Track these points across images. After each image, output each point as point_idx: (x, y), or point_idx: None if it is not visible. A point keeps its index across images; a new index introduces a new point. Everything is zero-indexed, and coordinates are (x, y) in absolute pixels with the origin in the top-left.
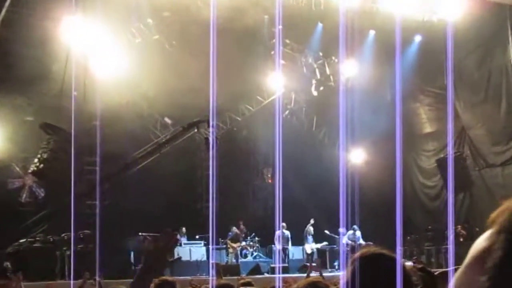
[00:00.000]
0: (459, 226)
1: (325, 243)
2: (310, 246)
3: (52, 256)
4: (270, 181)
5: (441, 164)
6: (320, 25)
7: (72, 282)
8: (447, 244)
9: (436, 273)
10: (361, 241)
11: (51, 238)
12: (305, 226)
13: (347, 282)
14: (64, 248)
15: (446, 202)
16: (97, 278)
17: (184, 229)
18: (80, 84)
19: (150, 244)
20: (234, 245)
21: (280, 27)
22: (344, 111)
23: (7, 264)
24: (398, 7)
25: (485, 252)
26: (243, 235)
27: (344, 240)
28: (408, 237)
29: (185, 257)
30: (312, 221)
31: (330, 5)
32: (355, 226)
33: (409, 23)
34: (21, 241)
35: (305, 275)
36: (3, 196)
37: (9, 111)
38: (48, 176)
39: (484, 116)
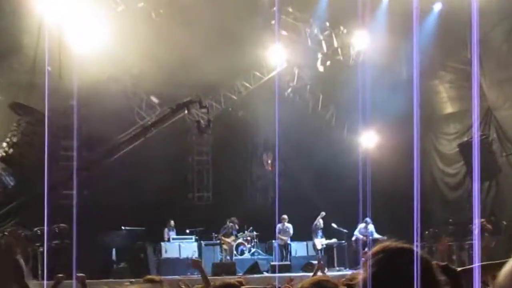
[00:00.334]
0: (483, 219)
1: (334, 240)
2: (320, 242)
3: (23, 253)
4: (270, 168)
5: (464, 149)
6: None
7: (45, 282)
8: (471, 240)
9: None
10: (376, 235)
11: (22, 233)
12: (313, 219)
13: (365, 281)
14: (37, 244)
15: (469, 192)
16: (74, 278)
17: (172, 222)
18: (55, 58)
19: None
20: (228, 239)
21: None
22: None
23: None
24: None
25: None
26: (235, 229)
27: (355, 235)
28: (427, 232)
29: (173, 254)
30: (323, 214)
31: None
32: (367, 219)
33: None
34: None
35: (310, 274)
36: None
37: None
38: (18, 163)
39: None
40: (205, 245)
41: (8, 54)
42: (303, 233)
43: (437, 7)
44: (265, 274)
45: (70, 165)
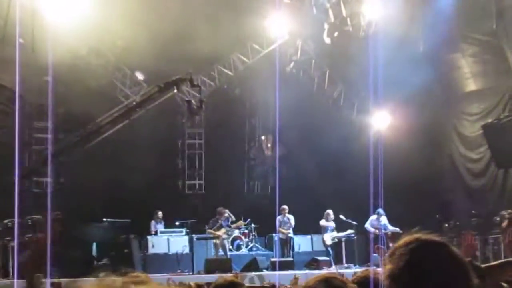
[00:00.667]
0: (509, 211)
1: (350, 231)
2: (331, 235)
3: None
4: (270, 152)
5: (489, 131)
6: None
7: (16, 281)
8: (495, 233)
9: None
10: (390, 228)
11: None
12: (318, 210)
13: (393, 272)
14: (7, 238)
15: (495, 180)
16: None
17: (160, 214)
18: (28, 29)
19: None
20: (219, 232)
21: None
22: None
23: None
24: None
25: None
26: (226, 220)
27: (366, 228)
28: (446, 224)
29: (161, 249)
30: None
31: None
32: (379, 210)
33: None
34: None
35: (315, 272)
36: None
37: None
38: None
39: None
40: (197, 239)
41: None
42: (307, 226)
43: None
44: (265, 271)
45: (44, 149)
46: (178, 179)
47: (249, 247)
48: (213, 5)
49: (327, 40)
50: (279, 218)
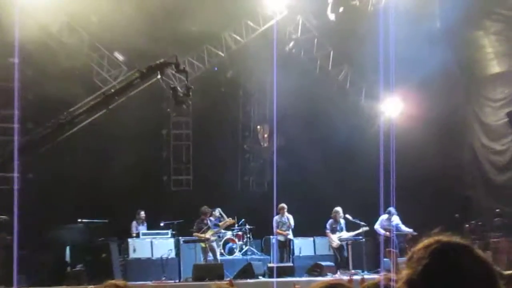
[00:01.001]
0: None
1: (364, 227)
2: (338, 236)
3: None
4: (267, 144)
5: None
6: None
7: None
8: None
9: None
10: (403, 229)
11: None
12: (321, 209)
13: (408, 283)
14: None
15: None
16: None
17: (142, 214)
18: None
19: None
20: (207, 235)
21: None
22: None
23: None
24: None
25: None
26: (212, 220)
27: (376, 229)
28: (467, 225)
29: (144, 254)
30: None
31: None
32: (391, 209)
33: None
34: None
35: (318, 279)
36: None
37: None
38: None
39: None
40: (185, 242)
41: None
42: (309, 227)
43: None
44: (261, 278)
45: (10, 141)
46: (163, 174)
47: (243, 250)
48: None
49: (331, 16)
50: (276, 218)
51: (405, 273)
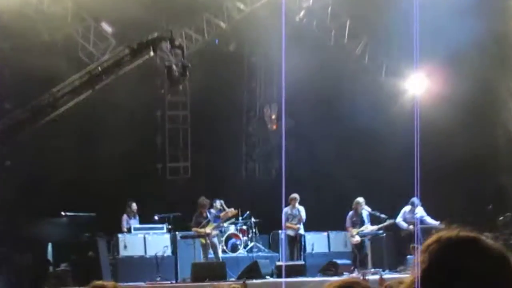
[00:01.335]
0: None
1: (390, 220)
2: (361, 230)
3: None
4: (274, 127)
5: None
6: None
7: None
8: None
9: None
10: (428, 221)
11: None
12: (336, 200)
13: (422, 279)
14: None
15: None
16: None
17: (134, 206)
18: None
19: None
20: (207, 230)
21: None
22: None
23: None
24: None
25: None
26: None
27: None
28: (501, 217)
29: (136, 251)
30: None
31: None
32: (414, 199)
33: None
34: None
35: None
36: None
37: None
38: None
39: None
40: (182, 237)
41: None
42: (323, 220)
43: None
44: (268, 278)
45: None
46: (157, 161)
47: (248, 247)
48: None
49: None
50: (286, 210)
51: (412, 275)
